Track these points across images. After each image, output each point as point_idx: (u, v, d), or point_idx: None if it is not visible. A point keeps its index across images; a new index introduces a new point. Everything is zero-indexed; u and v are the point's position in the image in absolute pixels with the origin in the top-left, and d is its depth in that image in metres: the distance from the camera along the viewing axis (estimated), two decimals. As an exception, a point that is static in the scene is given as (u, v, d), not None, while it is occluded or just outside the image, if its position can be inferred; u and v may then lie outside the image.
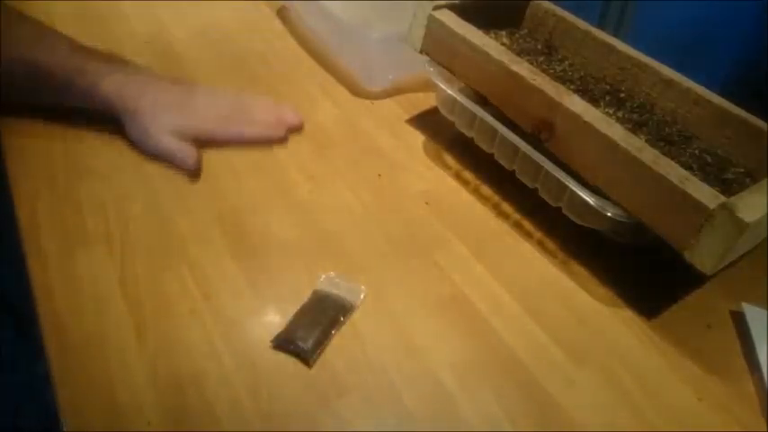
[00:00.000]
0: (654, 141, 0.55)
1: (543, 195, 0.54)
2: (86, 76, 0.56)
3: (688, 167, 0.50)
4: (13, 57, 0.54)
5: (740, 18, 1.48)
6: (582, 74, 0.64)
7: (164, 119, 0.57)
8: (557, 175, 0.51)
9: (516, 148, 0.54)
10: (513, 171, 0.57)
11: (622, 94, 0.61)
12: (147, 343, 0.43)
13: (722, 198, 0.42)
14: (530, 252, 0.54)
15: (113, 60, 0.59)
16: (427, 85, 0.71)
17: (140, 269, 0.48)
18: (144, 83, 0.59)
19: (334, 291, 0.47)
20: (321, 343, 0.44)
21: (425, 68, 0.62)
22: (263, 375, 0.42)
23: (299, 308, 0.46)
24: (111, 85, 0.56)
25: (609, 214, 0.48)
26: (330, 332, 0.45)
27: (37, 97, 0.58)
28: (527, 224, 0.56)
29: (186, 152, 0.57)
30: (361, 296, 0.48)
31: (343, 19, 0.70)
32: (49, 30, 0.59)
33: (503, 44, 0.62)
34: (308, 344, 0.43)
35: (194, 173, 0.57)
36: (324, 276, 0.49)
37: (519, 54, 0.59)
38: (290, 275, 0.49)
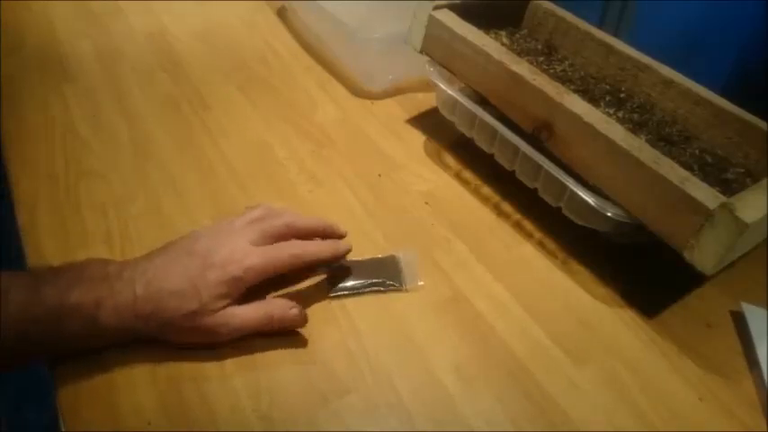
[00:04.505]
0: (654, 141, 0.55)
1: (543, 195, 0.54)
2: (67, 315, 0.39)
3: (688, 167, 0.49)
4: None
5: (740, 18, 1.48)
6: (582, 74, 0.64)
7: (195, 297, 0.41)
8: (557, 175, 0.51)
9: (516, 148, 0.54)
10: (513, 171, 0.57)
11: (622, 95, 0.61)
12: (147, 342, 0.43)
13: (722, 198, 0.42)
14: (530, 252, 0.54)
15: (75, 269, 0.42)
16: (427, 86, 0.71)
17: (140, 269, 0.48)
18: (139, 269, 0.42)
19: (403, 266, 0.50)
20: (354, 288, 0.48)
21: (425, 68, 0.62)
22: (263, 375, 0.42)
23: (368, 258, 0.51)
24: (112, 313, 0.40)
25: (609, 214, 0.48)
26: (366, 289, 0.48)
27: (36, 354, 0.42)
28: (527, 224, 0.56)
29: (280, 307, 0.44)
30: (419, 283, 0.49)
31: (343, 19, 0.70)
32: None
33: (503, 44, 0.62)
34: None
35: (303, 320, 0.45)
36: (411, 250, 0.52)
37: (519, 54, 0.59)
38: (289, 275, 0.49)
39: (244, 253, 0.43)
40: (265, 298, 0.45)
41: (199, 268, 0.42)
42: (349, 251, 0.47)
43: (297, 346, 0.44)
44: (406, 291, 0.49)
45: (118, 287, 0.41)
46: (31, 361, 0.43)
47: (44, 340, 0.40)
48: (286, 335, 0.44)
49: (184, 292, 0.41)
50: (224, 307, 0.42)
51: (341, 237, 0.49)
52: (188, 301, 0.41)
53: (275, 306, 0.44)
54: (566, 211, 0.52)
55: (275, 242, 0.45)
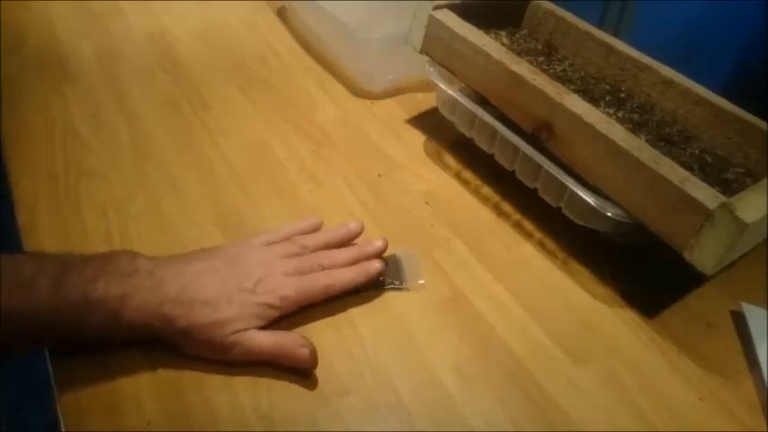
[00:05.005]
0: (654, 141, 0.55)
1: (543, 195, 0.54)
2: (93, 306, 0.39)
3: (688, 167, 0.49)
4: None
5: (740, 18, 1.48)
6: (582, 74, 0.64)
7: (227, 311, 0.41)
8: (557, 175, 0.51)
9: (516, 148, 0.54)
10: (513, 171, 0.57)
11: (622, 95, 0.61)
12: (148, 343, 0.43)
13: (722, 198, 0.42)
14: (530, 252, 0.54)
15: (102, 259, 0.41)
16: (427, 86, 0.71)
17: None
18: (173, 270, 0.42)
19: (404, 265, 0.50)
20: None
21: (425, 68, 0.62)
22: (263, 375, 0.42)
23: None
24: (137, 309, 0.40)
25: (609, 214, 0.48)
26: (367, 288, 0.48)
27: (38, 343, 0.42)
28: (527, 224, 0.56)
29: (293, 342, 0.42)
30: (420, 282, 0.49)
31: (343, 19, 0.70)
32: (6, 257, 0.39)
33: (503, 44, 0.62)
34: None
35: (312, 361, 0.42)
36: (412, 251, 0.51)
37: (519, 54, 0.59)
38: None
39: (279, 283, 0.44)
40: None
41: (236, 287, 0.42)
42: (380, 270, 0.48)
43: (297, 346, 0.44)
44: (408, 290, 0.49)
45: (147, 285, 0.41)
46: (49, 347, 0.42)
47: (66, 329, 0.39)
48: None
49: (218, 304, 0.41)
50: (246, 329, 0.42)
51: (357, 234, 0.50)
52: (218, 314, 0.41)
53: (288, 339, 0.43)
54: (566, 211, 0.52)
55: (308, 272, 0.46)
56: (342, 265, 0.47)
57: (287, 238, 0.48)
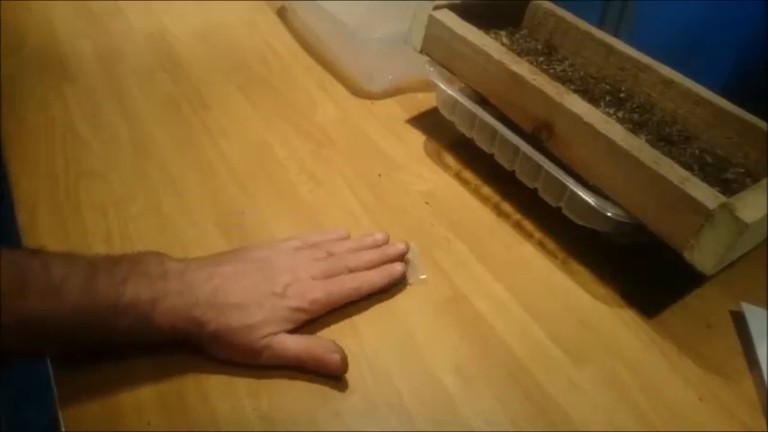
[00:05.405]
0: (654, 141, 0.55)
1: (543, 195, 0.54)
2: (125, 308, 0.38)
3: (688, 167, 0.49)
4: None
5: (740, 18, 1.48)
6: (582, 74, 0.64)
7: (257, 314, 0.41)
8: (557, 175, 0.51)
9: (516, 149, 0.54)
10: (513, 171, 0.57)
11: (622, 95, 0.61)
12: (147, 343, 0.43)
13: (722, 198, 0.42)
14: (530, 252, 0.54)
15: (130, 260, 0.41)
16: (427, 86, 0.71)
17: (140, 269, 0.48)
18: (203, 273, 0.42)
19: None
20: None
21: (425, 68, 0.62)
22: (263, 374, 0.42)
23: None
24: (167, 313, 0.40)
25: (609, 214, 0.48)
26: None
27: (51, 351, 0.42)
28: (527, 224, 0.56)
29: (325, 348, 0.42)
30: (421, 277, 0.50)
31: (343, 19, 0.70)
32: (28, 257, 0.38)
33: (503, 44, 0.62)
34: None
35: (343, 367, 0.42)
36: (412, 246, 0.51)
37: (519, 54, 0.59)
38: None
39: (308, 287, 0.44)
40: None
41: (266, 290, 0.43)
42: (402, 273, 0.49)
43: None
44: (410, 285, 0.49)
45: (177, 287, 0.40)
46: (78, 350, 0.41)
47: (95, 333, 0.39)
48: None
49: (249, 308, 0.41)
50: (276, 333, 0.42)
51: (382, 245, 0.50)
52: (249, 318, 0.41)
53: (318, 345, 0.42)
54: (566, 211, 0.52)
55: (335, 276, 0.46)
56: (367, 266, 0.48)
57: (314, 245, 0.49)
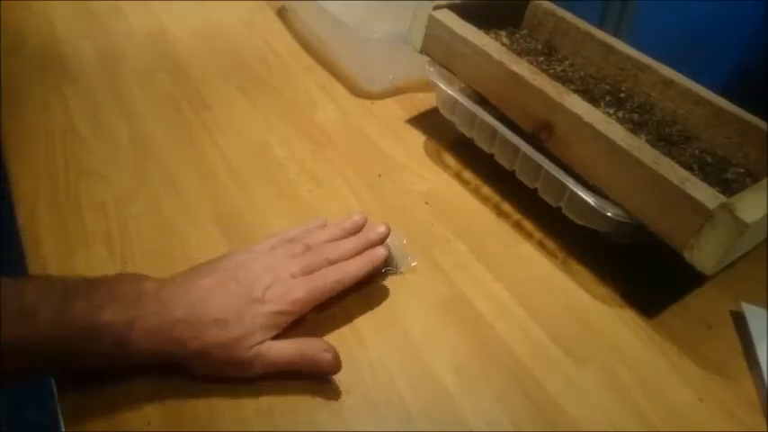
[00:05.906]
0: (654, 141, 0.55)
1: (543, 195, 0.54)
2: (96, 335, 0.37)
3: (688, 167, 0.49)
4: None
5: (740, 18, 1.48)
6: (582, 74, 0.64)
7: (239, 327, 0.40)
8: (557, 175, 0.51)
9: (516, 149, 0.54)
10: (513, 171, 0.57)
11: (622, 94, 0.61)
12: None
13: (722, 198, 0.42)
14: (530, 252, 0.54)
15: (104, 284, 0.40)
16: (427, 85, 0.71)
17: (140, 269, 0.48)
18: (179, 290, 0.41)
19: (392, 250, 0.50)
20: None
21: (425, 68, 0.62)
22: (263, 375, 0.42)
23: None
24: (145, 334, 0.38)
25: (609, 214, 0.48)
26: None
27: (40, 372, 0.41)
28: (527, 224, 0.56)
29: (315, 348, 0.42)
30: (412, 264, 0.50)
31: (343, 19, 0.70)
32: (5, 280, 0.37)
33: (503, 44, 0.62)
34: None
35: (335, 366, 0.42)
36: (397, 233, 0.51)
37: (519, 54, 0.59)
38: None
39: (288, 287, 0.43)
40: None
41: (245, 299, 0.41)
42: (385, 257, 0.47)
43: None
44: (401, 273, 0.50)
45: (153, 308, 0.39)
46: (55, 373, 0.41)
47: (71, 359, 0.38)
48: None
49: (228, 321, 0.40)
50: (263, 341, 0.41)
51: (361, 227, 0.49)
52: (231, 331, 0.40)
53: (309, 345, 0.42)
54: (566, 211, 0.52)
55: (316, 270, 0.45)
56: (348, 255, 0.46)
57: (291, 240, 0.47)
